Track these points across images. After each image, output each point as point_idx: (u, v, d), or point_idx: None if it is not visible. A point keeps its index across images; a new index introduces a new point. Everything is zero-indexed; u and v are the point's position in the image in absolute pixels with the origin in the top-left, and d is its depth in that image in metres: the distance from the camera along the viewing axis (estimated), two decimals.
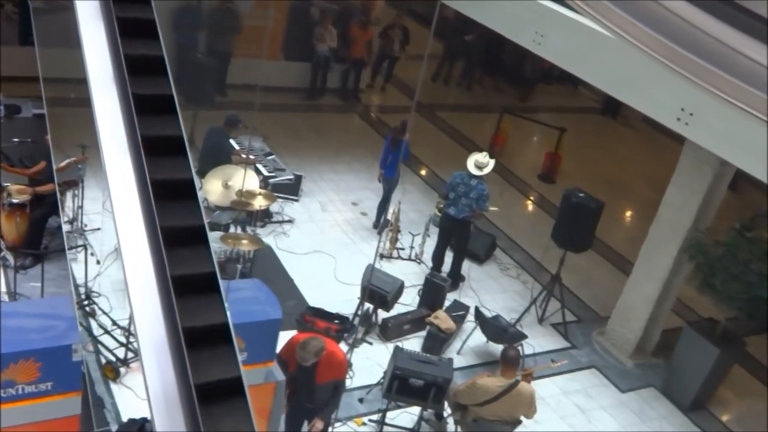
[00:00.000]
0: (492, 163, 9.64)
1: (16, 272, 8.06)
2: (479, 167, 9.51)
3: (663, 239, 9.00)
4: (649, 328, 9.49)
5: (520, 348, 8.38)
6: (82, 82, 3.57)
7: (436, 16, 5.94)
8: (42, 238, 8.78)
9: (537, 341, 9.39)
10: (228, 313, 3.08)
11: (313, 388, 6.23)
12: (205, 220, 3.28)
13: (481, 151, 9.97)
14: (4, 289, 8.12)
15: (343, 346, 8.34)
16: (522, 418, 7.17)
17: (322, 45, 14.86)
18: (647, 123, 16.17)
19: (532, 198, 13.64)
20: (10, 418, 4.87)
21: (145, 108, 3.38)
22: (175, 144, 3.39)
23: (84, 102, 3.58)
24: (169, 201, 3.23)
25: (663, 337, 9.67)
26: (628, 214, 13.96)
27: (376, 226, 11.22)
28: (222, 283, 3.16)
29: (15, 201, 8.39)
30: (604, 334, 9.85)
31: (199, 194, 3.41)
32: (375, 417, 7.64)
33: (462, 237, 9.98)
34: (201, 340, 2.99)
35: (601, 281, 11.14)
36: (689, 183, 8.71)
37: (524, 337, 8.95)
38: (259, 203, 8.61)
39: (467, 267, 10.44)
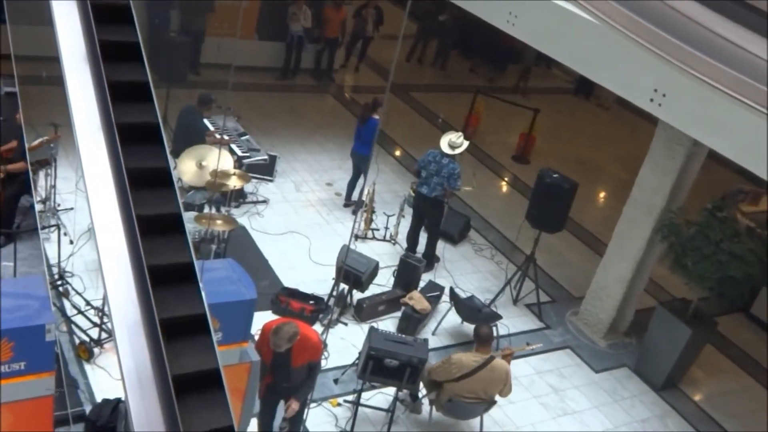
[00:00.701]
0: (465, 143, 9.66)
1: None
2: (452, 147, 9.52)
3: (636, 219, 9.08)
4: (622, 308, 9.58)
5: (494, 328, 8.42)
6: (54, 60, 3.52)
7: None
8: (14, 218, 8.67)
9: (511, 322, 9.46)
10: (203, 293, 3.07)
11: (289, 371, 6.22)
12: (180, 201, 3.26)
13: (455, 131, 9.98)
14: None
15: (318, 327, 8.35)
16: (497, 397, 7.23)
17: (296, 24, 14.76)
18: (620, 104, 16.30)
19: (506, 179, 13.69)
20: None
21: (121, 94, 3.34)
22: (150, 130, 3.36)
23: (56, 80, 3.53)
24: (144, 185, 3.20)
25: (636, 317, 9.78)
26: (602, 194, 14.06)
27: (346, 204, 11.21)
28: (197, 264, 3.15)
29: None
30: (577, 314, 9.94)
31: (174, 174, 3.38)
32: (350, 398, 7.66)
33: (435, 216, 10.00)
34: (175, 321, 2.98)
35: (575, 262, 11.24)
36: (662, 163, 8.77)
37: (499, 317, 9.01)
38: (233, 183, 8.58)
39: (442, 248, 10.47)
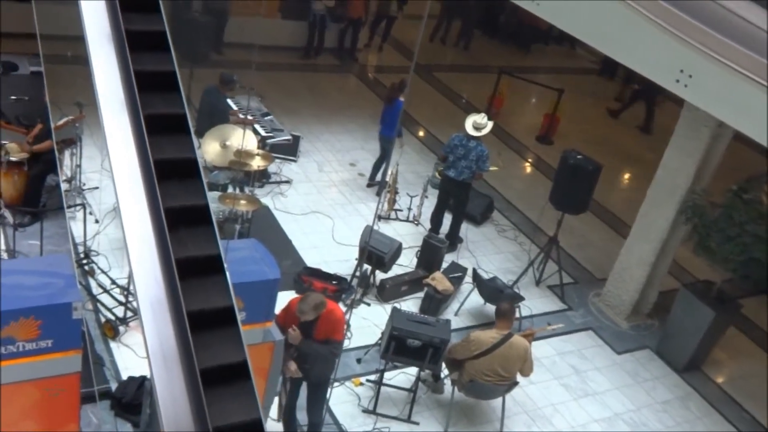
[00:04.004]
0: (490, 124, 9.62)
1: (15, 230, 8.06)
2: (477, 128, 9.49)
3: (660, 201, 9.01)
4: (645, 289, 9.54)
5: (517, 309, 8.42)
6: (80, 39, 3.54)
7: None
8: (40, 196, 8.76)
9: (533, 303, 9.45)
10: (227, 272, 3.10)
11: (311, 343, 6.23)
12: (205, 182, 3.29)
13: (479, 112, 9.94)
14: (3, 246, 8.15)
15: (341, 307, 8.38)
16: (518, 377, 7.24)
17: (319, 4, 14.73)
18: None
19: (529, 159, 13.62)
20: (11, 375, 4.90)
21: (146, 75, 3.36)
22: (174, 105, 3.38)
23: (81, 60, 3.55)
24: (169, 163, 3.23)
25: (659, 298, 9.73)
26: (626, 176, 13.95)
27: (370, 185, 11.22)
28: (221, 244, 3.17)
29: (13, 159, 8.37)
30: (600, 295, 9.91)
31: (198, 153, 3.40)
32: (372, 377, 7.70)
33: (461, 199, 9.98)
34: (200, 298, 3.01)
35: (598, 243, 11.18)
36: (687, 145, 8.69)
37: (521, 298, 9.01)
38: (256, 163, 8.62)
39: (464, 229, 10.46)
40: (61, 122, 8.62)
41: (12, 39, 10.71)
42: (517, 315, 8.55)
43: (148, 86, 3.32)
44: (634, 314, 9.65)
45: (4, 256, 7.98)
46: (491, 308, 8.92)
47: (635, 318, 9.65)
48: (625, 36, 6.61)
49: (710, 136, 8.51)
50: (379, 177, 11.18)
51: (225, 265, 3.13)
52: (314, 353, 6.23)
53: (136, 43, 3.37)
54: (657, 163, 9.13)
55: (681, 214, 8.81)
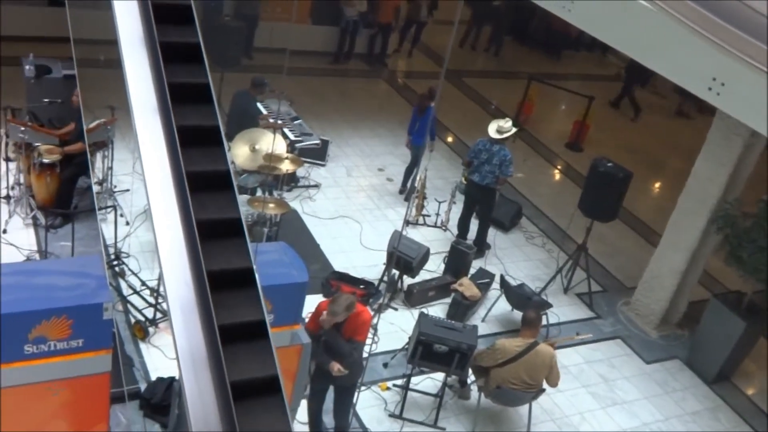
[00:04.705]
0: (513, 128, 9.61)
1: (47, 231, 8.19)
2: (500, 132, 9.48)
3: (691, 210, 8.92)
4: (675, 299, 9.44)
5: (545, 317, 8.37)
6: (112, 43, 3.59)
7: None
8: (72, 198, 8.87)
9: (561, 310, 9.39)
10: (256, 272, 3.11)
11: (339, 343, 6.22)
12: (235, 185, 3.31)
13: (506, 118, 9.92)
14: (35, 247, 8.26)
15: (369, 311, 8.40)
16: (545, 385, 7.19)
17: (350, 9, 14.79)
18: (677, 92, 15.98)
19: (558, 166, 13.55)
20: (43, 373, 4.96)
21: (179, 96, 3.39)
22: (206, 113, 3.41)
23: (113, 63, 3.60)
24: (200, 166, 3.25)
25: (689, 308, 9.62)
26: (656, 184, 13.83)
27: (402, 191, 11.22)
28: (250, 247, 3.19)
29: (45, 161, 8.48)
30: (629, 304, 9.82)
31: (228, 157, 3.43)
32: (399, 382, 7.70)
33: (486, 204, 9.96)
34: (229, 301, 3.03)
35: (628, 251, 11.09)
36: (719, 153, 8.60)
37: (549, 305, 8.95)
38: (286, 167, 8.66)
39: (493, 235, 10.43)
40: (93, 125, 8.72)
41: (45, 43, 10.89)
42: (545, 322, 8.51)
43: (180, 94, 3.35)
44: (664, 324, 9.55)
45: (36, 257, 8.09)
46: (518, 315, 8.88)
47: (665, 327, 9.55)
48: (656, 42, 6.55)
49: (743, 145, 8.41)
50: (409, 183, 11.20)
51: (254, 266, 3.15)
52: (338, 349, 6.20)
53: (169, 49, 3.41)
54: (688, 172, 9.04)
55: (712, 224, 8.72)
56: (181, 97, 3.32)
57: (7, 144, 8.97)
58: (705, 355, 8.97)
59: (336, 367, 6.19)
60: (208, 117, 3.38)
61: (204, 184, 3.19)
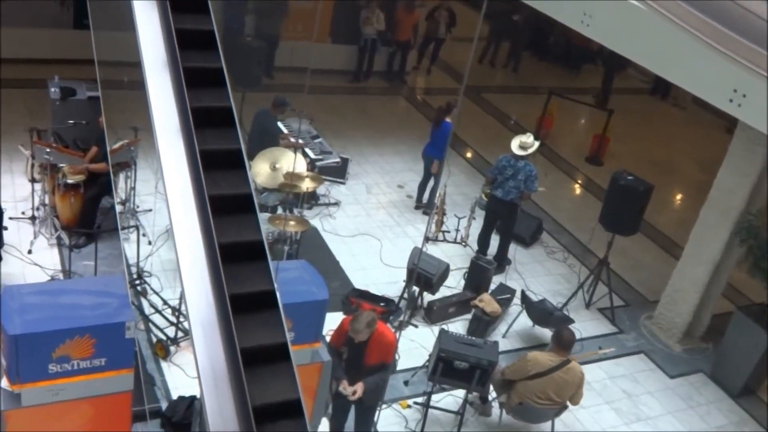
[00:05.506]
0: (536, 144, 9.60)
1: (71, 251, 8.27)
2: (523, 148, 9.46)
3: (714, 222, 8.86)
4: (699, 312, 9.36)
5: None
6: (135, 65, 3.64)
7: None
8: (95, 218, 8.97)
9: (584, 326, 9.33)
10: (278, 294, 3.13)
11: (362, 368, 6.26)
12: (256, 204, 3.34)
13: (527, 133, 9.91)
14: (59, 267, 8.35)
15: (390, 328, 8.39)
16: (567, 403, 7.15)
17: (369, 28, 14.88)
18: (698, 104, 15.89)
19: (579, 180, 13.51)
20: (67, 392, 5.00)
21: (199, 96, 3.44)
22: (229, 137, 3.44)
23: (137, 85, 3.65)
24: (222, 188, 3.28)
25: (713, 321, 9.54)
26: (678, 196, 13.75)
27: (417, 206, 11.24)
28: (271, 265, 3.21)
29: (69, 181, 8.59)
30: (652, 318, 9.75)
31: (250, 176, 3.46)
32: (420, 399, 7.67)
33: (508, 220, 9.94)
34: (251, 320, 3.05)
35: (650, 265, 11.02)
36: (741, 165, 8.54)
37: (571, 321, 8.90)
38: (306, 185, 8.72)
39: (513, 250, 10.40)
40: (116, 146, 8.82)
41: (70, 65, 11.05)
42: None
43: (203, 118, 3.40)
44: (688, 337, 9.47)
45: (60, 276, 8.18)
46: (540, 331, 8.87)
47: (688, 341, 9.47)
48: (676, 55, 6.54)
49: (765, 156, 8.35)
50: (426, 198, 11.20)
51: (275, 285, 3.17)
52: (368, 381, 6.23)
53: (192, 74, 3.46)
54: (709, 184, 8.99)
55: (735, 236, 8.65)
56: (204, 121, 3.36)
57: (33, 165, 9.08)
58: (730, 368, 8.88)
59: (350, 390, 6.21)
60: (231, 140, 3.41)
61: (227, 207, 3.22)
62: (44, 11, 12.49)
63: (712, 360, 9.21)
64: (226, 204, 3.23)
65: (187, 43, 3.51)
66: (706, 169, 11.69)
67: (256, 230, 3.25)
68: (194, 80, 3.43)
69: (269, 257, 3.22)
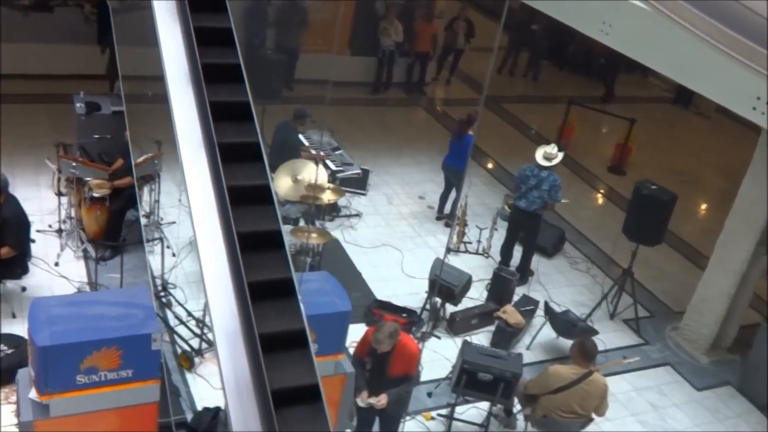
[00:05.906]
0: (561, 154, 9.56)
1: (97, 263, 8.36)
2: (548, 158, 9.44)
3: (739, 232, 8.78)
4: (725, 323, 9.26)
5: None
6: (158, 80, 3.69)
7: (506, 8, 5.89)
8: (121, 231, 9.05)
9: (608, 337, 9.25)
10: (302, 307, 3.15)
11: (385, 380, 6.26)
12: (279, 217, 3.36)
13: (548, 143, 9.89)
14: (85, 279, 8.43)
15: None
16: (593, 415, 7.08)
17: (387, 39, 14.93)
18: (721, 112, 15.79)
19: (601, 190, 13.44)
20: (94, 403, 5.05)
21: (222, 114, 3.47)
22: (250, 149, 3.47)
23: (160, 99, 3.69)
24: (244, 201, 3.31)
25: (740, 333, 9.43)
26: (702, 206, 13.64)
27: (438, 217, 11.24)
28: (295, 277, 3.23)
29: (95, 195, 8.68)
30: (678, 329, 9.66)
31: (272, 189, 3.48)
32: (443, 411, 7.64)
33: (532, 230, 9.91)
34: (275, 333, 3.06)
35: (675, 275, 10.92)
36: (765, 173, 8.47)
37: (595, 332, 8.84)
38: (327, 197, 8.75)
39: (536, 261, 10.35)
40: (140, 159, 8.91)
41: (95, 80, 11.19)
42: None
43: (222, 117, 3.43)
44: (714, 349, 9.36)
45: (87, 288, 8.25)
46: (564, 342, 8.80)
47: (715, 353, 9.36)
48: (697, 64, 6.51)
49: None
50: (447, 208, 11.19)
51: (299, 296, 3.19)
52: (391, 393, 6.24)
53: (212, 77, 3.50)
54: (734, 193, 8.92)
55: (761, 246, 8.56)
56: (233, 158, 3.40)
57: (59, 179, 9.19)
58: (758, 380, 8.75)
59: (372, 400, 6.21)
60: (259, 176, 3.44)
61: (255, 243, 3.23)
62: (67, 28, 12.66)
63: (740, 372, 9.10)
64: (248, 217, 3.26)
65: (215, 79, 3.55)
66: (730, 179, 11.58)
67: (286, 269, 3.25)
68: (222, 116, 3.46)
69: (292, 269, 3.24)
